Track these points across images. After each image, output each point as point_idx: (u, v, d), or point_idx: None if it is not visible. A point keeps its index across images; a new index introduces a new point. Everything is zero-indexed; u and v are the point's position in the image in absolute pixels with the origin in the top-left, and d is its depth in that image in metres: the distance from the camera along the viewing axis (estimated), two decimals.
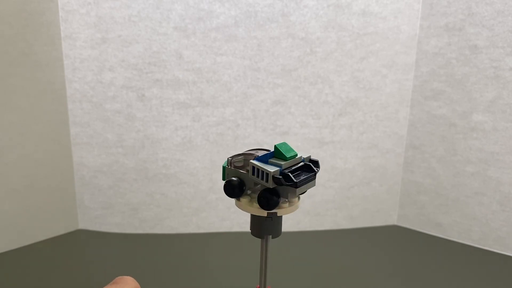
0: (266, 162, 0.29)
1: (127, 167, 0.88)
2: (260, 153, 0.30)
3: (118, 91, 0.84)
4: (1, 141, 0.78)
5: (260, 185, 0.30)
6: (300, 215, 0.95)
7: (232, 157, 0.31)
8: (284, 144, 0.30)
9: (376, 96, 0.90)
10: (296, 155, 0.29)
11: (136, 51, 0.82)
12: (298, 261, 0.82)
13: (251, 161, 0.29)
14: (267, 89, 0.86)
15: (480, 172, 0.86)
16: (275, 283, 0.73)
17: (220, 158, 0.89)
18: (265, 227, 0.31)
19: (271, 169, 0.28)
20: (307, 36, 0.84)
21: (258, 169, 0.29)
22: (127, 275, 0.26)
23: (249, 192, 0.31)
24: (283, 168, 0.29)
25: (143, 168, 0.89)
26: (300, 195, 0.31)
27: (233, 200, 0.33)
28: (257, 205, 0.29)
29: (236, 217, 0.93)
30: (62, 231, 0.90)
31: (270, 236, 0.32)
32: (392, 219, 1.00)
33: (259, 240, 0.32)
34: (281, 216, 0.31)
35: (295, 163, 0.29)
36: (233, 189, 0.30)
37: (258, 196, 0.29)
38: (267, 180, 0.28)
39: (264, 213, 0.30)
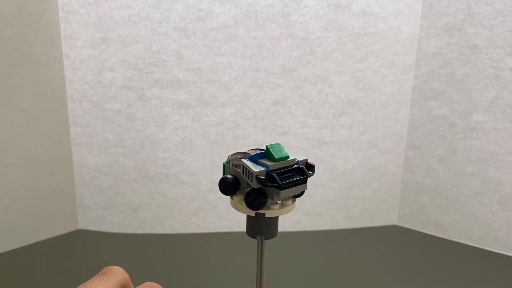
0: (256, 162, 0.29)
1: (127, 167, 0.88)
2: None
3: (118, 91, 0.84)
4: (1, 141, 0.78)
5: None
6: (300, 215, 0.94)
7: (232, 155, 0.31)
8: (277, 145, 0.29)
9: (376, 96, 0.90)
10: (288, 157, 0.29)
11: (136, 51, 0.82)
12: (298, 261, 0.82)
13: (242, 160, 0.29)
14: (267, 89, 0.86)
15: (480, 172, 0.86)
16: (275, 283, 0.73)
17: (220, 158, 0.89)
18: (257, 228, 0.31)
19: (256, 169, 0.28)
20: (307, 36, 0.84)
21: (246, 168, 0.29)
22: (129, 277, 0.26)
23: (245, 191, 0.31)
24: (271, 169, 0.28)
25: (143, 168, 0.89)
26: (297, 198, 0.31)
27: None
28: None
29: (236, 217, 0.93)
30: (62, 231, 0.90)
31: (269, 236, 0.31)
32: (392, 219, 1.00)
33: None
34: (274, 218, 0.31)
35: (287, 165, 0.29)
36: (226, 186, 0.30)
37: (244, 195, 0.29)
38: (252, 180, 0.28)
39: (252, 212, 0.30)
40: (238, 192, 0.30)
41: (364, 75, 0.88)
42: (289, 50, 0.85)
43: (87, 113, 0.86)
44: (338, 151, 0.92)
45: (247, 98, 0.87)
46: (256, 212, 0.29)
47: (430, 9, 0.86)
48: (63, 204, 0.89)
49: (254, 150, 0.31)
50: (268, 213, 0.30)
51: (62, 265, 0.78)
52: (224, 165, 0.32)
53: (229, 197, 0.31)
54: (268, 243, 0.32)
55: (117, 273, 0.25)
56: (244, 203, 0.30)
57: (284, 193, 0.28)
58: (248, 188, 0.29)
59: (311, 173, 0.29)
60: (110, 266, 0.25)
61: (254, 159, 0.29)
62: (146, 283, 0.25)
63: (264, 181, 0.28)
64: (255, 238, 0.31)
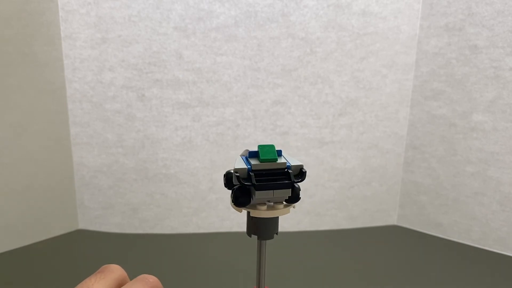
0: (247, 160, 0.29)
1: (127, 167, 0.88)
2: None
3: (118, 91, 0.84)
4: (1, 141, 0.78)
5: None
6: (300, 215, 0.94)
7: (244, 151, 0.31)
8: (270, 146, 0.28)
9: (376, 96, 0.90)
10: (275, 159, 0.28)
11: (136, 51, 0.82)
12: (298, 261, 0.82)
13: (238, 155, 0.29)
14: (267, 89, 0.86)
15: (480, 172, 0.86)
16: (275, 283, 0.73)
17: (220, 158, 0.89)
18: (250, 226, 0.31)
19: (239, 165, 0.28)
20: (307, 36, 0.84)
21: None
22: (127, 275, 0.26)
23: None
24: (253, 168, 0.28)
25: (143, 168, 0.89)
26: (293, 203, 0.30)
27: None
28: None
29: (236, 217, 0.93)
30: (62, 231, 0.90)
31: (262, 237, 0.31)
32: (392, 219, 1.00)
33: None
34: (269, 219, 0.30)
35: (275, 167, 0.28)
36: (227, 180, 0.29)
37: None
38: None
39: (240, 209, 0.29)
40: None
41: (364, 75, 0.88)
42: (289, 50, 0.85)
43: (87, 113, 0.86)
44: (338, 151, 0.92)
45: (247, 98, 0.87)
46: (248, 211, 0.29)
47: (430, 9, 0.86)
48: (63, 204, 0.89)
49: None
50: (253, 213, 0.29)
51: (62, 265, 0.78)
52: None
53: (229, 197, 0.31)
54: (268, 243, 0.32)
55: (115, 271, 0.25)
56: None
57: (260, 194, 0.27)
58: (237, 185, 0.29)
59: (297, 180, 0.27)
60: (107, 264, 0.25)
61: (249, 156, 0.29)
62: (141, 276, 0.25)
63: (239, 178, 0.27)
64: (249, 236, 0.31)
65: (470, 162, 0.87)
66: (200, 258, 0.82)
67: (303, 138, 0.90)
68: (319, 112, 0.89)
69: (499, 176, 0.84)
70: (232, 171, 0.28)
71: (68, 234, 0.90)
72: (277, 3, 0.82)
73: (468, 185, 0.88)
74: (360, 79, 0.88)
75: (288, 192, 0.28)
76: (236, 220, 0.93)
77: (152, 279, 0.25)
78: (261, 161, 0.28)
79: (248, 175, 0.27)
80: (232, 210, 0.92)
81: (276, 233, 0.31)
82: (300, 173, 0.28)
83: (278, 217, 0.31)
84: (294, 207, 0.31)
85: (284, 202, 0.30)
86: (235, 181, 0.28)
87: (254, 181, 0.27)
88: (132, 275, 0.26)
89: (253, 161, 0.28)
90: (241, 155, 0.30)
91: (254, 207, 0.29)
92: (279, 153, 0.29)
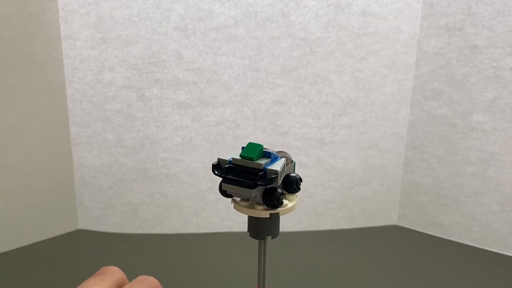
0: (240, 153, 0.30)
1: (127, 167, 0.88)
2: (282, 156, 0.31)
3: (118, 91, 0.84)
4: (1, 141, 0.78)
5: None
6: (300, 215, 0.95)
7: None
8: (257, 146, 0.29)
9: (376, 96, 0.90)
10: (252, 158, 0.28)
11: (136, 51, 0.82)
12: (298, 261, 0.82)
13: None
14: (267, 89, 0.86)
15: (480, 172, 0.86)
16: (275, 283, 0.73)
17: None
18: (251, 226, 0.31)
19: (225, 157, 0.29)
20: (307, 36, 0.84)
21: None
22: (126, 275, 0.26)
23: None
24: (233, 162, 0.29)
25: (143, 168, 0.89)
26: (271, 207, 0.30)
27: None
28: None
29: (236, 217, 0.93)
30: (62, 231, 0.90)
31: (261, 236, 0.31)
32: (392, 219, 1.00)
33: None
34: (264, 220, 0.30)
35: (251, 166, 0.28)
36: (212, 167, 0.31)
37: None
38: None
39: (229, 200, 0.31)
40: None
41: (364, 75, 0.88)
42: (289, 50, 0.85)
43: (87, 113, 0.86)
44: (338, 151, 0.92)
45: (247, 98, 0.87)
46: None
47: (430, 9, 0.86)
48: (63, 204, 0.89)
49: (281, 152, 0.32)
50: (235, 206, 0.31)
51: (62, 265, 0.78)
52: None
53: (228, 198, 0.32)
54: (268, 243, 0.32)
55: (114, 273, 0.25)
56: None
57: (226, 186, 0.29)
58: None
59: (260, 183, 0.28)
60: (106, 266, 0.25)
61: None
62: (140, 277, 0.25)
63: (214, 167, 0.29)
64: (252, 236, 0.32)
65: (470, 162, 0.87)
66: (200, 258, 0.82)
67: (303, 138, 0.90)
68: (319, 112, 0.89)
69: (499, 176, 0.84)
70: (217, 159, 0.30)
71: (68, 234, 0.90)
72: (277, 3, 0.82)
73: (468, 185, 0.88)
74: (360, 79, 0.88)
75: (250, 192, 0.28)
76: (236, 220, 0.93)
77: (150, 280, 0.25)
78: (241, 156, 0.29)
79: (216, 166, 0.29)
80: (232, 210, 0.92)
81: (278, 233, 0.32)
82: (270, 178, 0.28)
83: (279, 216, 0.31)
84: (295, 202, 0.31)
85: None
86: (212, 169, 0.30)
87: (222, 173, 0.29)
88: (132, 275, 0.26)
89: (236, 156, 0.29)
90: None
91: (252, 206, 0.30)
92: (269, 155, 0.29)
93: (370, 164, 0.94)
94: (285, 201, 0.30)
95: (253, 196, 0.28)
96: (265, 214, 0.30)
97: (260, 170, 0.28)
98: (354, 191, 0.95)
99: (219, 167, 0.29)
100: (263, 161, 0.28)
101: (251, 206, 0.30)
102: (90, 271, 0.26)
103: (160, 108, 0.85)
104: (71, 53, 0.82)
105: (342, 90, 0.88)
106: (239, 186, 0.28)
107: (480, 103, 0.83)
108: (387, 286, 0.74)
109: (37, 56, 0.80)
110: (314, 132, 0.90)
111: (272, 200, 0.29)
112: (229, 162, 0.29)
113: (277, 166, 0.28)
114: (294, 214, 0.93)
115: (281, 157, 0.30)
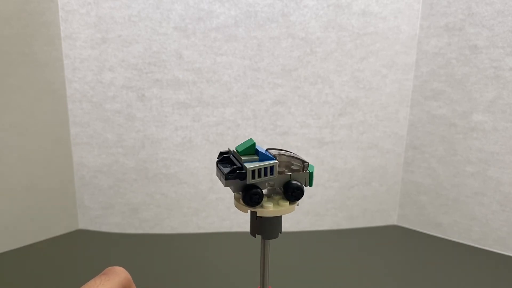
0: (263, 150, 0.33)
1: (127, 167, 0.88)
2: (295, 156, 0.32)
3: (118, 91, 0.84)
4: (1, 141, 0.78)
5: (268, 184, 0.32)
6: (300, 215, 0.95)
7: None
8: (252, 144, 0.31)
9: (376, 96, 0.90)
10: (238, 152, 0.31)
11: (136, 51, 0.82)
12: (298, 261, 0.82)
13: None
14: (267, 89, 0.86)
15: (480, 172, 0.86)
16: (275, 283, 0.73)
17: None
18: (254, 226, 0.32)
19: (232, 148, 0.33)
20: (307, 36, 0.84)
21: None
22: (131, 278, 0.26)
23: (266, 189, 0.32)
24: (231, 153, 0.33)
25: (143, 168, 0.89)
26: (254, 207, 0.31)
27: (232, 200, 0.33)
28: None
29: (236, 217, 0.93)
30: (62, 231, 0.90)
31: (267, 236, 0.32)
32: (392, 219, 1.00)
33: (259, 240, 0.32)
34: (274, 218, 0.31)
35: (238, 159, 0.31)
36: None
37: None
38: None
39: (245, 210, 0.31)
40: None
41: (364, 75, 0.88)
42: (289, 50, 0.85)
43: (87, 113, 0.86)
44: (338, 151, 0.92)
45: (247, 98, 0.87)
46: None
47: (430, 9, 0.86)
48: (63, 204, 0.89)
49: (291, 157, 0.33)
50: (235, 203, 0.32)
51: (62, 265, 0.78)
52: None
53: (230, 197, 0.33)
54: (268, 243, 0.32)
55: (119, 273, 0.25)
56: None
57: (217, 171, 0.32)
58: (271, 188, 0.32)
59: (228, 175, 0.30)
60: (112, 266, 0.25)
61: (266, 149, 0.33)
62: (107, 269, 0.25)
63: (221, 154, 0.33)
64: (254, 236, 0.32)
65: (470, 162, 0.87)
66: (200, 258, 0.82)
67: (303, 138, 0.90)
68: (319, 112, 0.89)
69: (499, 176, 0.84)
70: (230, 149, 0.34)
71: (68, 234, 0.90)
72: (277, 3, 0.82)
73: (468, 185, 0.88)
74: (360, 79, 0.88)
75: (224, 183, 0.30)
76: (236, 220, 0.93)
77: (119, 270, 0.25)
78: (235, 149, 0.32)
79: (222, 154, 0.33)
80: (232, 210, 0.92)
81: (280, 232, 0.32)
82: (238, 173, 0.30)
83: (281, 216, 0.31)
84: (298, 205, 0.32)
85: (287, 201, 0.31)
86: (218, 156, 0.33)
87: (218, 158, 0.32)
88: (132, 275, 0.26)
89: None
90: (266, 149, 0.32)
91: (260, 206, 0.31)
92: (263, 156, 0.30)
93: (370, 164, 0.94)
94: (267, 204, 0.31)
95: (224, 186, 0.30)
96: (245, 209, 0.31)
97: (239, 164, 0.30)
98: (354, 191, 0.95)
99: (221, 154, 0.33)
100: (249, 157, 0.30)
101: (238, 199, 0.31)
102: (90, 271, 0.26)
103: (160, 108, 0.85)
104: (71, 53, 0.82)
105: (342, 90, 0.88)
106: (220, 172, 0.31)
107: (480, 103, 0.83)
108: (387, 286, 0.74)
109: (37, 56, 0.80)
110: (314, 132, 0.90)
111: (245, 196, 0.30)
112: (231, 151, 0.33)
113: (254, 165, 0.30)
114: (294, 214, 0.93)
115: (281, 161, 0.31)
